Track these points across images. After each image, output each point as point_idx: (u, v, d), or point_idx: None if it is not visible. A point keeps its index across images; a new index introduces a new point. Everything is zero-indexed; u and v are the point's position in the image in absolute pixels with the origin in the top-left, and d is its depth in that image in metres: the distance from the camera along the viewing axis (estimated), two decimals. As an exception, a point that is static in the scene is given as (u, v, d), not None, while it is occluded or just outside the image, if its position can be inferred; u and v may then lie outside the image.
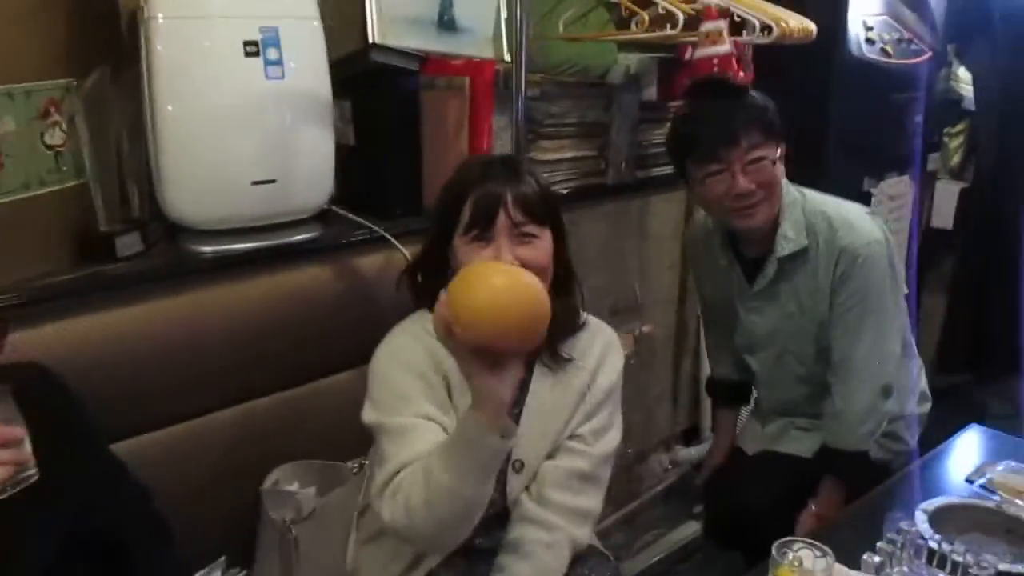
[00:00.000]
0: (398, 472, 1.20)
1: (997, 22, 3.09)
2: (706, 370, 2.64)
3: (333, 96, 1.58)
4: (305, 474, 1.58)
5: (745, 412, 2.15)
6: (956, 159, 3.25)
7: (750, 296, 1.84)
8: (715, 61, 1.95)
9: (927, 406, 1.97)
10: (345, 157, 1.66)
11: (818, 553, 1.09)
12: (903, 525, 1.31)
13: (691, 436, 2.77)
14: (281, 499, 1.51)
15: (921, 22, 2.81)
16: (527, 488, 1.32)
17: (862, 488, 1.61)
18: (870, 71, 2.56)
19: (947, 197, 3.20)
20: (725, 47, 1.94)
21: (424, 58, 1.81)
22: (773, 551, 1.09)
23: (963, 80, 3.11)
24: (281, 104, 1.48)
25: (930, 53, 2.78)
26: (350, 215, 1.68)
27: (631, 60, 2.20)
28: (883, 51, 2.59)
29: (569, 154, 2.15)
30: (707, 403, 2.70)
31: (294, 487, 1.52)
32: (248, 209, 1.50)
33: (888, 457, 1.85)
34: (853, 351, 1.73)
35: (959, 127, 3.22)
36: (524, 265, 1.20)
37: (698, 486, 2.16)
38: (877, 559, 1.26)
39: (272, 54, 1.43)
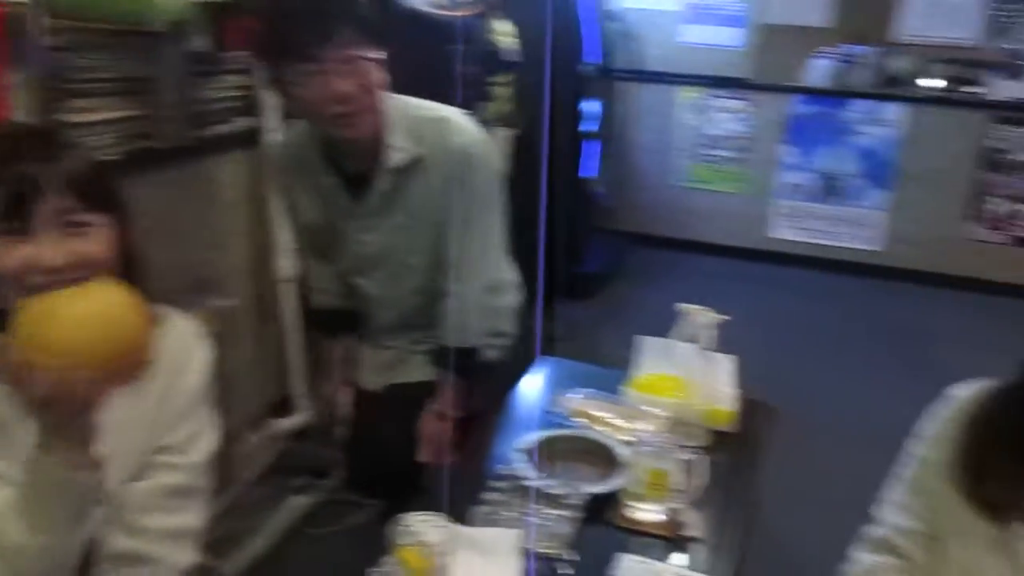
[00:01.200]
0: None
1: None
2: (293, 336, 2.55)
3: None
4: None
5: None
6: (506, 107, 3.49)
7: (360, 214, 1.73)
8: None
9: (520, 296, 1.98)
10: None
11: (437, 523, 1.07)
12: (502, 470, 1.37)
13: (283, 407, 2.65)
14: None
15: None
16: (115, 520, 1.11)
17: (477, 385, 1.68)
18: (425, 23, 2.60)
19: (501, 144, 3.44)
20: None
21: None
22: (392, 532, 1.04)
23: (505, 32, 3.32)
24: None
25: (479, 7, 2.92)
26: None
27: (174, 4, 1.96)
28: (434, 3, 2.65)
29: (109, 115, 1.86)
30: (297, 369, 2.61)
31: None
32: None
33: (496, 353, 1.86)
34: (467, 250, 1.72)
35: (505, 77, 3.45)
36: (79, 263, 0.98)
37: (302, 456, 2.06)
38: (486, 509, 1.29)
39: None
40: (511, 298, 1.86)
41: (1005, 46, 4.44)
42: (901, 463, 1.22)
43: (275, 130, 2.32)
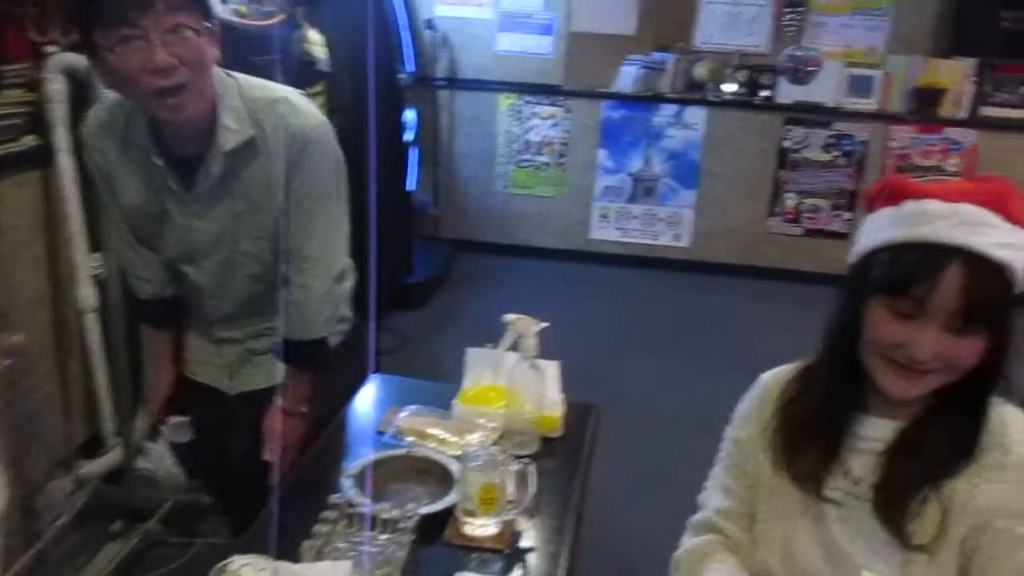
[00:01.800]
0: None
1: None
2: (101, 369, 2.38)
3: None
4: None
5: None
6: (320, 119, 3.41)
7: (190, 200, 1.59)
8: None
9: (354, 277, 1.90)
10: None
11: (260, 566, 1.02)
12: (333, 499, 1.32)
13: (94, 447, 2.46)
14: None
15: (267, -15, 2.84)
16: None
17: (323, 374, 1.66)
18: (226, 33, 2.48)
19: (317, 156, 3.36)
20: None
21: None
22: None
23: (315, 42, 3.25)
24: None
25: (283, 15, 2.83)
26: None
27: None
28: (236, 12, 2.55)
29: None
30: (107, 406, 2.43)
31: None
32: None
33: (339, 338, 1.81)
34: (310, 238, 1.63)
35: (317, 88, 3.38)
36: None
37: (117, 498, 1.92)
38: (317, 542, 1.24)
39: None
40: (350, 282, 1.81)
41: (789, 53, 4.82)
42: (720, 448, 1.29)
43: (64, 150, 2.15)
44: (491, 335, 1.73)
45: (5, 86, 2.07)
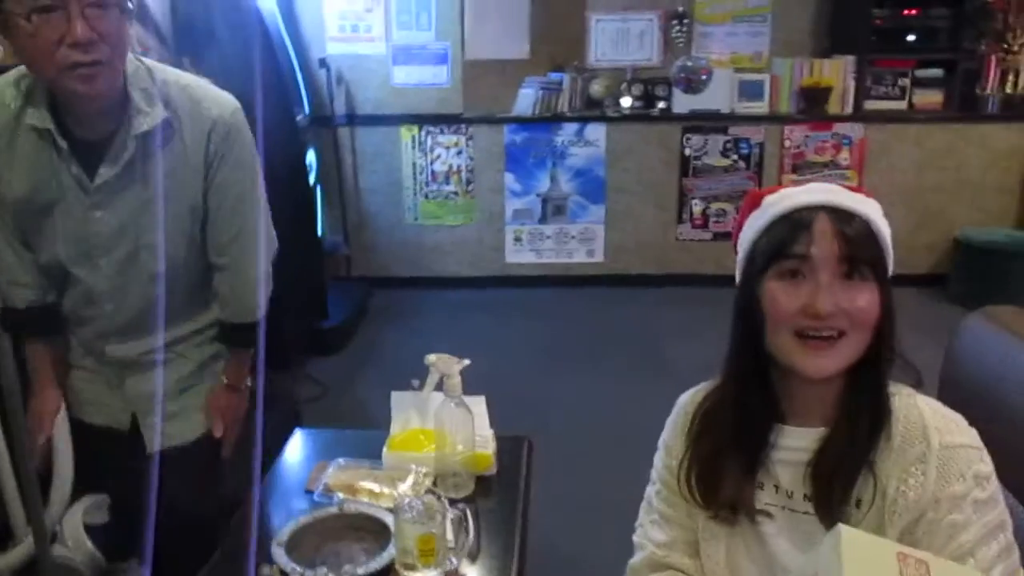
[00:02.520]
0: None
1: (223, 31, 3.22)
2: (2, 453, 2.22)
3: None
4: None
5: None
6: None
7: (92, 188, 1.49)
8: None
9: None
10: None
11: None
12: (265, 571, 1.26)
13: (3, 540, 2.30)
14: None
15: (149, 34, 2.75)
16: None
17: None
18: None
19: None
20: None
21: None
22: None
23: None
24: None
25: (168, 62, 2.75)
26: None
27: None
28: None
29: None
30: (10, 490, 2.27)
31: None
32: None
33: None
34: (245, 224, 1.62)
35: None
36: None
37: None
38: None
39: None
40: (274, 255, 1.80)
41: (680, 64, 4.93)
42: (650, 477, 1.27)
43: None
44: (416, 372, 1.69)
45: None
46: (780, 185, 1.15)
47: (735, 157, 5.01)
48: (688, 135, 5.00)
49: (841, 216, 1.04)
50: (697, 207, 5.10)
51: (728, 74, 4.95)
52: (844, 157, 5.00)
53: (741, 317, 1.11)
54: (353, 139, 5.03)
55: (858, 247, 1.03)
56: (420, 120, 4.99)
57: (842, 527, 0.92)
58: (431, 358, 1.57)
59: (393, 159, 5.07)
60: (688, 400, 1.24)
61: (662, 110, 5.01)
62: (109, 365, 1.70)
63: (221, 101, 1.57)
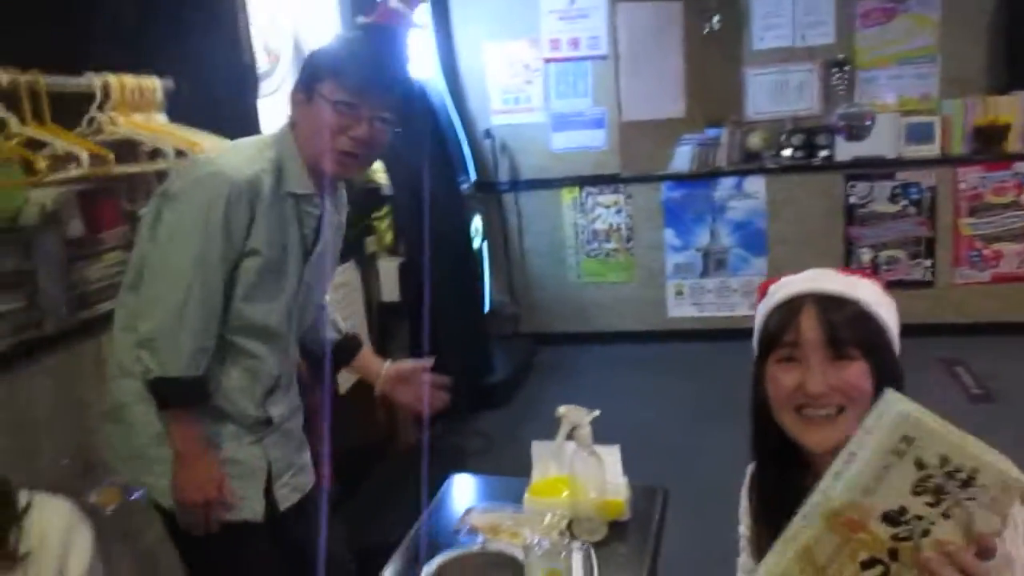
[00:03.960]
0: None
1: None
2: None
3: None
4: None
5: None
6: (388, 238, 3.65)
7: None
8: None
9: None
10: None
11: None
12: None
13: None
14: None
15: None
16: None
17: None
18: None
19: (389, 273, 3.57)
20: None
21: None
22: None
23: (375, 168, 3.50)
24: None
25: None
26: None
27: (46, 196, 2.04)
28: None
29: (-2, 309, 1.91)
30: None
31: None
32: None
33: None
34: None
35: (383, 211, 3.62)
36: None
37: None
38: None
39: None
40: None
41: (841, 112, 4.86)
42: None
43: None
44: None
45: (105, 251, 2.33)
46: (786, 273, 1.26)
47: (904, 202, 4.84)
48: (852, 182, 4.89)
49: (827, 300, 1.14)
50: (866, 255, 4.95)
51: (894, 118, 4.82)
52: (1027, 197, 4.71)
53: (754, 398, 1.24)
54: (517, 203, 5.30)
55: (841, 327, 1.13)
56: (579, 182, 5.19)
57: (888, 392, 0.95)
58: (561, 410, 1.70)
59: (555, 220, 5.29)
60: (750, 469, 1.34)
61: (824, 159, 4.94)
62: (261, 426, 1.77)
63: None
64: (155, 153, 2.08)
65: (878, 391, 1.08)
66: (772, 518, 1.20)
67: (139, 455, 1.69)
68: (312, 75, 1.64)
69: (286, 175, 1.66)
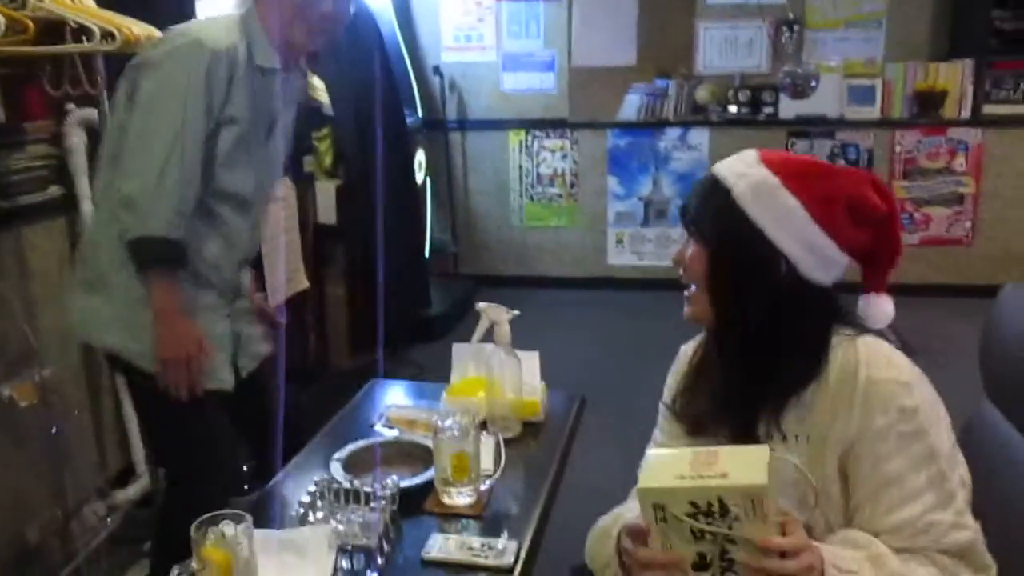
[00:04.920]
0: None
1: (342, 38, 3.49)
2: (128, 402, 2.52)
3: None
4: None
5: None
6: (328, 160, 3.60)
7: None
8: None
9: None
10: None
11: (240, 523, 1.12)
12: (320, 476, 1.44)
13: (127, 476, 2.61)
14: None
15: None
16: None
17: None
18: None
19: (327, 195, 3.54)
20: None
21: None
22: (192, 532, 1.09)
23: (319, 88, 3.44)
24: None
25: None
26: None
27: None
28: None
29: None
30: (136, 438, 2.57)
31: None
32: None
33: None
34: None
35: (324, 132, 3.57)
36: None
37: (147, 522, 2.05)
38: (300, 511, 1.35)
39: None
40: None
41: (787, 70, 4.91)
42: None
43: (87, 197, 2.33)
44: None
45: (30, 142, 2.27)
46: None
47: (842, 162, 4.94)
48: (793, 139, 4.98)
49: (708, 183, 1.17)
50: (802, 213, 5.04)
51: (838, 79, 4.89)
52: (960, 163, 4.85)
53: None
54: (464, 143, 5.28)
55: (692, 211, 1.19)
56: (527, 125, 5.19)
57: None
58: (481, 305, 1.72)
59: (501, 163, 5.28)
60: (685, 347, 1.39)
61: (768, 115, 5.00)
62: (228, 303, 1.93)
63: None
64: (80, 34, 2.02)
65: (729, 282, 1.15)
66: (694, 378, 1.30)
67: (121, 319, 1.75)
68: None
69: (255, 49, 1.75)
